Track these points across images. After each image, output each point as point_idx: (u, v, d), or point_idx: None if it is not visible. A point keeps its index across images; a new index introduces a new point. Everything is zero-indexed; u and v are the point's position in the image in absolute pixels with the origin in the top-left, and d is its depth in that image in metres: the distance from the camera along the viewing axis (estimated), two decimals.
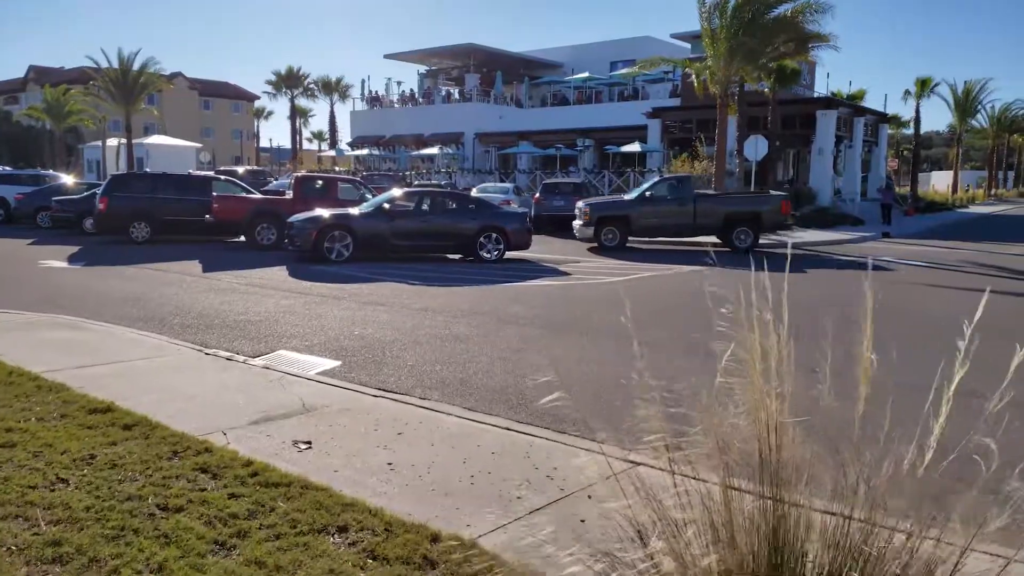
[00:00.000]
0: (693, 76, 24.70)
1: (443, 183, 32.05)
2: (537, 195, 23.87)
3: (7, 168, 30.67)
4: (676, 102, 36.91)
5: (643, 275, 13.80)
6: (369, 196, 17.98)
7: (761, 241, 18.56)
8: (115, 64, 37.03)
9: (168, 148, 49.68)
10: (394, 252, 15.13)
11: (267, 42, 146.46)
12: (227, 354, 7.08)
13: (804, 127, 31.53)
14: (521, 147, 37.77)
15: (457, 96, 46.77)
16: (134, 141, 42.59)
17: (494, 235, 15.33)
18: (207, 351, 7.17)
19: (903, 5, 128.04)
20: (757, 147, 22.37)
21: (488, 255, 15.33)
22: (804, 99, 32.96)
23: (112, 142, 45.59)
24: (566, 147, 36.78)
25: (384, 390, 6.03)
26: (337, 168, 46.01)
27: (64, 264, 14.11)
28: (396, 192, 16.17)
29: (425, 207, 15.49)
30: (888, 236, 24.15)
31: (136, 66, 37.79)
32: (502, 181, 33.80)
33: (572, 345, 7.87)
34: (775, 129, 29.68)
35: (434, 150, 40.47)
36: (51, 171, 30.30)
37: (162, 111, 70.39)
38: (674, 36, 39.12)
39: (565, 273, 13.85)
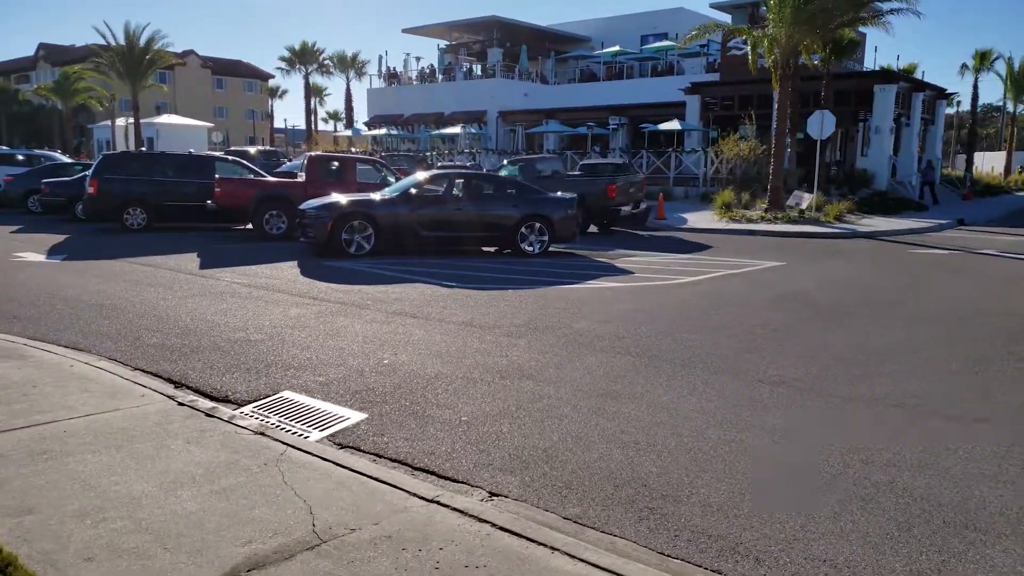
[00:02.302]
0: (748, 48, 22.20)
1: (468, 164, 29.82)
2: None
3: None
4: (714, 77, 34.38)
5: (717, 274, 11.63)
6: (392, 179, 15.89)
7: (847, 226, 16.29)
8: (122, 39, 35.06)
9: (179, 128, 47.75)
10: (422, 245, 13.07)
11: (282, 18, 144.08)
12: (209, 405, 5.06)
13: (859, 103, 28.96)
14: (549, 125, 35.40)
15: (479, 72, 44.38)
16: (144, 120, 40.72)
17: (537, 225, 13.20)
18: (182, 398, 5.15)
19: None
20: (823, 124, 19.98)
21: (530, 248, 13.22)
22: (860, 73, 30.37)
23: (121, 122, 43.76)
24: (598, 126, 34.37)
25: (435, 474, 4.02)
26: (354, 149, 43.88)
27: (41, 258, 12.17)
28: (424, 175, 14.04)
29: (457, 192, 13.38)
30: (963, 223, 21.77)
31: (143, 41, 35.81)
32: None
33: (680, 386, 5.77)
34: (828, 106, 27.19)
35: (456, 129, 38.19)
36: (48, 151, 28.37)
37: (174, 90, 68.58)
38: (714, 7, 36.50)
39: (625, 271, 11.71)
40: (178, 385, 5.68)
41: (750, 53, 22.15)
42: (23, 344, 6.54)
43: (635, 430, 4.74)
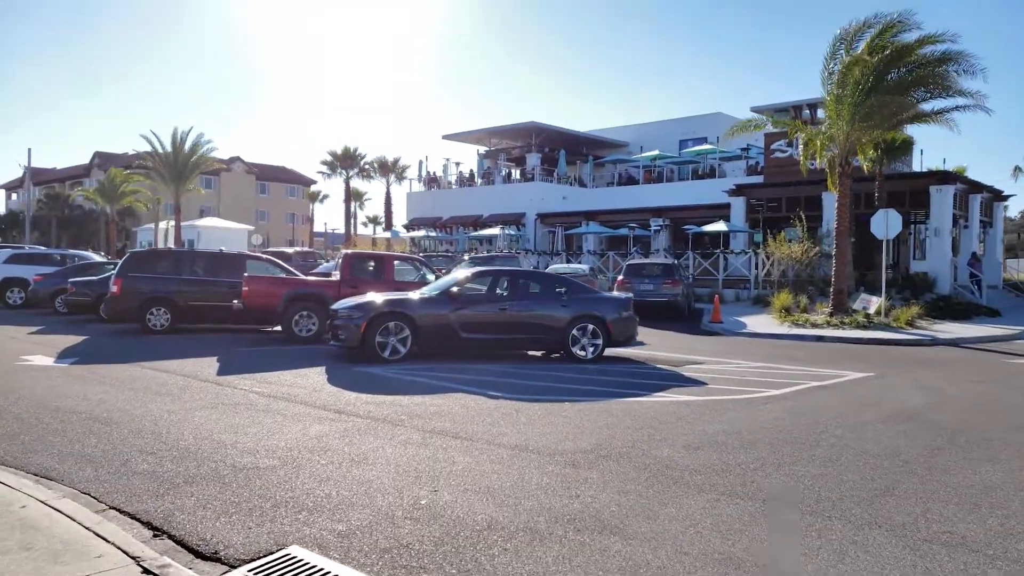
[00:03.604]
0: (795, 149, 21.35)
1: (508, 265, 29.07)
2: (620, 278, 20.56)
3: (36, 247, 28.83)
4: (756, 179, 33.67)
5: (803, 386, 10.11)
6: (431, 277, 14.89)
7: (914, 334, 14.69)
8: (167, 144, 35.90)
9: (220, 230, 48.35)
10: (463, 348, 11.83)
11: (325, 124, 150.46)
12: (187, 574, 3.70)
13: (913, 205, 27.79)
14: (589, 227, 34.75)
15: (518, 176, 44.53)
16: (186, 223, 41.27)
17: (590, 326, 11.90)
18: (151, 560, 3.80)
19: (1002, 83, 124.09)
20: (888, 223, 18.70)
21: (582, 352, 11.88)
22: (914, 174, 29.36)
23: (164, 224, 44.46)
24: (640, 227, 33.63)
25: None
26: (395, 250, 43.75)
27: (49, 361, 11.16)
28: (465, 272, 12.98)
29: (502, 290, 12.25)
30: None
31: (188, 146, 36.64)
32: (569, 262, 30.67)
33: (821, 548, 4.25)
34: (882, 206, 26.06)
35: (494, 231, 37.81)
36: (86, 251, 28.26)
37: (219, 194, 70.58)
38: (755, 110, 36.25)
39: (697, 381, 10.25)
40: (157, 533, 4.36)
41: (802, 153, 21.27)
42: None
43: None
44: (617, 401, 8.68)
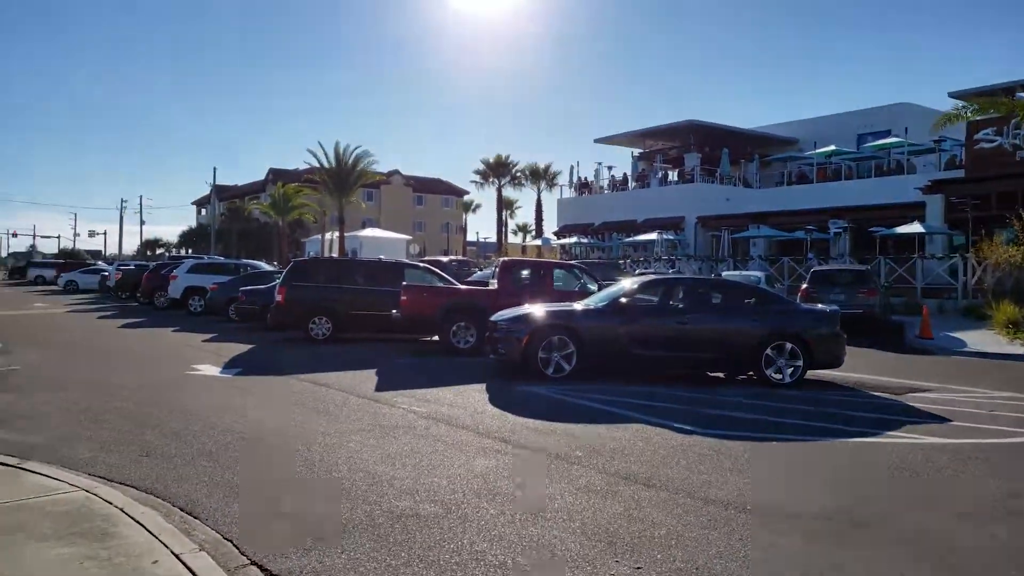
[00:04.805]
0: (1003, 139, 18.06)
1: (670, 271, 27.31)
2: (804, 286, 18.33)
3: (216, 257, 30.68)
4: (956, 174, 29.56)
5: None
6: (592, 287, 13.72)
7: None
8: (332, 158, 37.40)
9: (380, 240, 50.05)
10: (634, 366, 10.54)
11: (478, 135, 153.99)
12: None
13: None
14: (760, 230, 32.07)
15: (675, 178, 42.39)
16: (349, 234, 42.93)
17: (788, 345, 10.17)
18: None
19: None
20: None
21: (778, 375, 10.18)
22: None
23: (330, 235, 46.59)
24: (817, 230, 30.53)
25: None
26: (546, 257, 43.11)
27: (216, 371, 11.11)
28: (636, 281, 11.66)
29: (679, 302, 10.84)
30: None
31: (351, 160, 38.01)
32: (737, 268, 28.37)
33: None
34: None
35: (651, 236, 36.01)
36: (255, 261, 29.71)
37: (379, 205, 73.66)
38: (954, 95, 31.99)
39: (936, 417, 8.31)
40: None
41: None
42: (126, 505, 4.73)
43: None
44: (841, 442, 7.05)
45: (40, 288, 42.16)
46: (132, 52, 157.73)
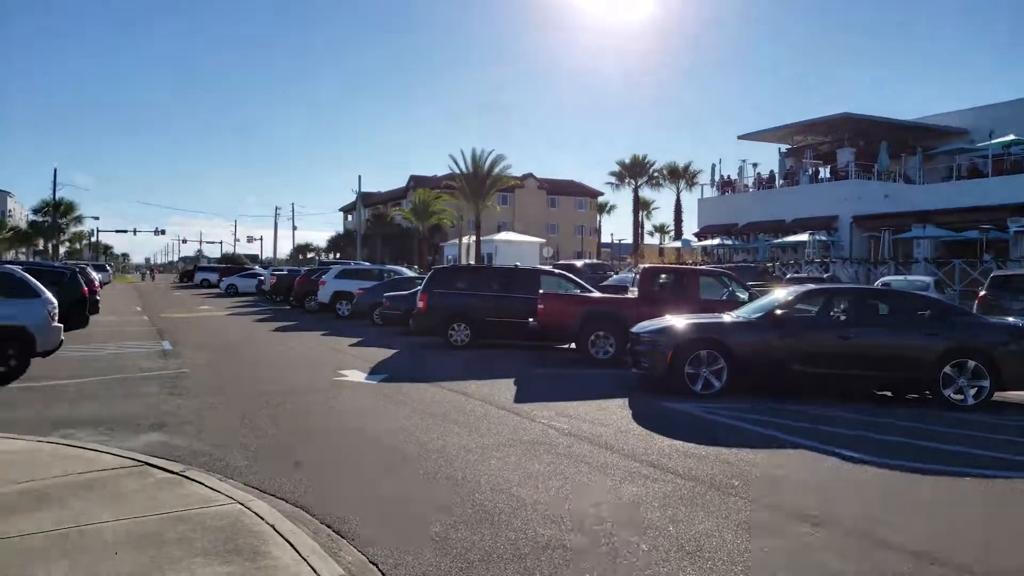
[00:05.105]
0: None
1: (824, 276, 25.49)
2: (983, 293, 16.44)
3: (361, 263, 31.99)
4: None
5: None
6: (742, 296, 12.92)
7: None
8: (469, 163, 38.16)
9: (515, 244, 50.64)
10: (790, 384, 9.74)
11: (613, 135, 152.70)
12: None
13: None
14: (926, 230, 29.32)
15: (827, 175, 39.69)
16: (485, 238, 43.70)
17: (971, 363, 9.03)
18: None
19: None
20: None
21: (959, 396, 9.06)
22: None
23: (466, 239, 47.64)
24: (995, 228, 27.45)
25: None
26: (688, 261, 41.81)
27: (362, 377, 11.42)
28: (791, 292, 10.80)
29: (841, 314, 9.92)
30: None
31: (486, 166, 38.59)
32: (898, 272, 26.05)
33: None
34: None
35: (802, 237, 33.85)
36: (397, 266, 30.73)
37: (514, 209, 74.58)
38: None
39: None
40: None
41: None
42: (276, 521, 4.78)
43: None
44: None
45: (205, 291, 46.00)
46: (299, 72, 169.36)
